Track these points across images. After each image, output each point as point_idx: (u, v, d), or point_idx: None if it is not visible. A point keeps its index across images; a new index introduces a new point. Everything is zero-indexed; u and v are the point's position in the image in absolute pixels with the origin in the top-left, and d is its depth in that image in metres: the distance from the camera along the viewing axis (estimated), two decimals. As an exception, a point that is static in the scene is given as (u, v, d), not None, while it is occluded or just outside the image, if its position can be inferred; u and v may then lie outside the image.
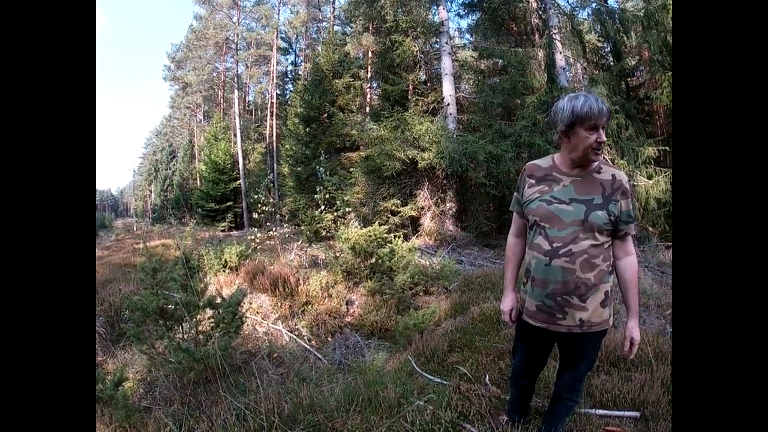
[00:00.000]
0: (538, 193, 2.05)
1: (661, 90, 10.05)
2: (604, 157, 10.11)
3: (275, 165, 23.14)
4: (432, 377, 3.64)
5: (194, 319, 3.61)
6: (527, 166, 2.17)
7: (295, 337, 5.04)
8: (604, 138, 1.89)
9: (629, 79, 13.25)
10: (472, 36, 14.57)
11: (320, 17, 26.70)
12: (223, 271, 7.57)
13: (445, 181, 11.16)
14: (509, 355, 3.73)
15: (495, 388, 3.23)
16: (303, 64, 27.57)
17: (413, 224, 11.15)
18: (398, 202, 11.09)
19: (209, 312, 3.82)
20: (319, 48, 19.04)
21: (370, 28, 13.83)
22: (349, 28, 16.37)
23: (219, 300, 3.86)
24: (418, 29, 11.64)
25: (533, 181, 2.10)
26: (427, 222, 10.97)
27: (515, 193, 2.24)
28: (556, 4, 11.70)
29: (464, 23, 31.85)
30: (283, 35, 28.13)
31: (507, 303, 2.31)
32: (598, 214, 1.91)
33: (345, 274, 6.77)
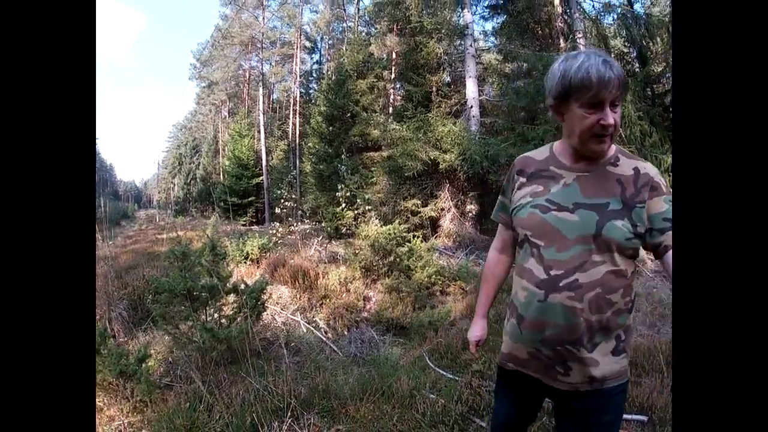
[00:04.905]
0: (530, 195, 1.44)
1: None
2: (630, 150, 10.14)
3: (297, 162, 23.40)
4: (445, 372, 3.71)
5: (218, 303, 3.75)
6: (516, 160, 1.58)
7: (312, 328, 5.15)
8: (610, 120, 1.25)
9: (655, 86, 13.05)
10: (496, 39, 14.54)
11: (345, 17, 26.89)
12: (245, 262, 7.73)
13: (466, 183, 11.17)
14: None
15: (507, 385, 3.28)
16: (327, 63, 27.83)
17: (433, 225, 11.18)
18: (418, 202, 11.14)
19: (232, 298, 3.97)
20: (344, 48, 19.22)
21: (395, 29, 13.90)
22: (374, 29, 16.47)
23: (243, 287, 4.00)
24: (443, 31, 11.67)
25: (524, 180, 1.50)
26: (446, 223, 10.99)
27: (500, 197, 1.64)
28: (581, 9, 11.62)
29: (489, 26, 31.74)
30: (308, 34, 28.45)
31: (475, 331, 1.79)
32: (617, 225, 1.28)
33: (363, 270, 6.86)
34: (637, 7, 12.90)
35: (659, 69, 12.67)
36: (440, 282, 6.64)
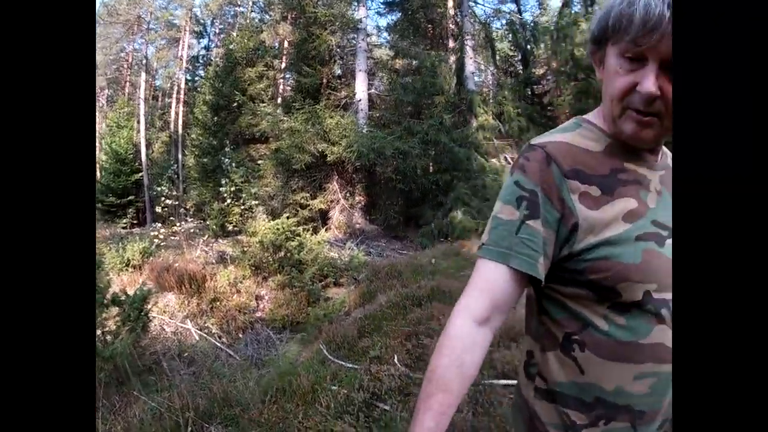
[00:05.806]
0: (625, 219, 0.81)
1: (563, 97, 11.04)
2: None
3: (180, 155, 21.93)
4: (344, 362, 3.80)
5: (98, 319, 3.49)
6: (550, 149, 0.84)
7: (204, 335, 4.99)
8: (651, 86, 0.73)
9: (536, 87, 14.23)
10: (389, 35, 14.89)
11: (238, 2, 25.59)
12: (126, 269, 7.19)
13: (354, 175, 11.41)
14: (416, 336, 3.95)
15: (404, 367, 3.42)
16: (216, 48, 26.30)
17: (323, 217, 11.27)
18: (308, 195, 11.15)
19: (115, 311, 3.71)
20: (234, 34, 18.28)
21: (289, 17, 13.57)
22: (267, 16, 15.94)
23: (123, 297, 3.76)
24: (337, 23, 11.67)
25: (592, 189, 0.82)
26: (336, 215, 11.14)
27: (523, 222, 0.81)
28: (472, 12, 12.32)
29: (383, 22, 32.14)
30: (198, 17, 26.64)
31: None
32: None
33: (253, 268, 6.75)
34: (526, 15, 14.00)
35: (540, 71, 13.90)
36: (332, 274, 6.75)
